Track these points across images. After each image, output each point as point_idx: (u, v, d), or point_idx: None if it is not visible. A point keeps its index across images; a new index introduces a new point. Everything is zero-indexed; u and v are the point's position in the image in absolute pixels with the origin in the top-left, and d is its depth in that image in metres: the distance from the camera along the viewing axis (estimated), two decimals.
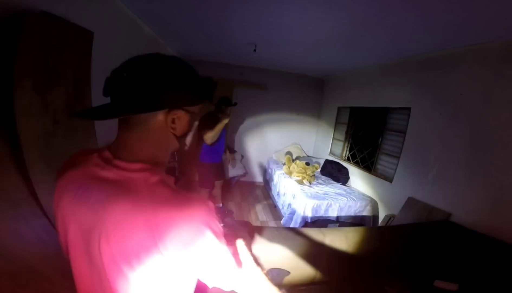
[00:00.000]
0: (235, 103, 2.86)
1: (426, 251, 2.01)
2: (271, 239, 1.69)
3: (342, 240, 1.82)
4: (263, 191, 4.61)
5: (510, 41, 1.92)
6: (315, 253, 1.74)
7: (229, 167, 4.26)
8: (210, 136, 2.64)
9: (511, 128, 1.89)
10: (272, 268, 1.64)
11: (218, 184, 3.16)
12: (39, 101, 1.40)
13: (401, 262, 1.94)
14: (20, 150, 1.28)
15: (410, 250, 1.99)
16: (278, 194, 3.60)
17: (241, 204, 3.91)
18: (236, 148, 4.86)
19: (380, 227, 2.02)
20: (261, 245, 1.64)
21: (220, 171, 3.09)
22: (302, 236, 1.78)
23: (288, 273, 1.66)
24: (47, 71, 1.44)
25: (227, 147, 3.41)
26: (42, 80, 1.42)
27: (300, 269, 1.69)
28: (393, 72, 3.13)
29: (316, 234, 1.82)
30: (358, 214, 3.06)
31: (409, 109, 2.84)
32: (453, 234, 2.05)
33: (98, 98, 2.07)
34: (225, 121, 2.63)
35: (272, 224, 3.33)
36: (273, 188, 3.94)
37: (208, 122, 2.70)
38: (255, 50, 3.22)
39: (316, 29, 2.39)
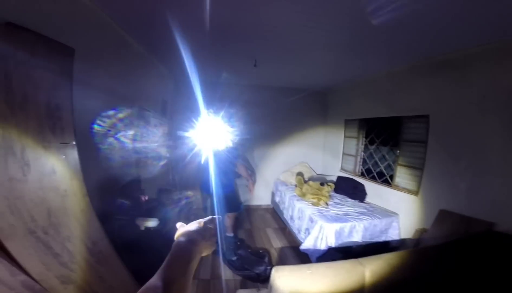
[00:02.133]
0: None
1: (476, 267, 1.74)
2: (304, 279, 1.43)
3: (385, 269, 1.56)
4: (273, 215, 4.30)
5: None
6: (356, 288, 1.48)
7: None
8: None
9: None
10: None
11: (231, 215, 2.93)
12: None
13: (453, 283, 1.66)
14: None
15: (460, 268, 1.72)
16: (291, 218, 3.32)
17: (251, 231, 3.60)
18: None
19: (423, 248, 1.77)
20: (294, 287, 1.38)
21: (231, 202, 2.84)
22: (338, 270, 1.52)
23: None
24: (9, 95, 1.15)
25: (247, 173, 3.17)
26: (3, 107, 1.13)
27: None
28: (403, 78, 2.99)
29: (354, 266, 1.55)
30: (384, 233, 2.78)
31: (427, 116, 2.67)
32: (502, 245, 1.80)
33: (82, 130, 1.76)
34: None
35: (288, 250, 3.02)
36: (284, 211, 3.65)
37: None
38: (255, 65, 3.11)
39: (316, 36, 2.26)
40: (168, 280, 0.44)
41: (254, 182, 3.77)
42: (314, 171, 4.72)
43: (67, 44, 1.46)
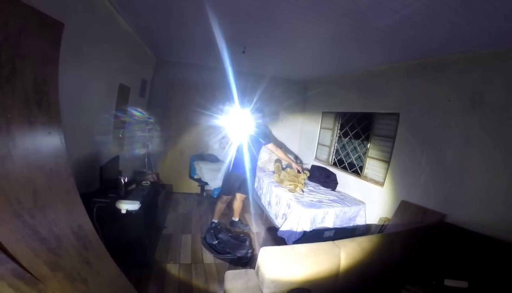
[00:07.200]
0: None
1: (431, 252, 2.06)
2: (289, 258, 1.57)
3: (358, 251, 1.77)
4: (248, 200, 4.43)
5: (497, 50, 2.03)
6: (333, 267, 1.67)
7: None
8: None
9: (499, 133, 2.00)
10: (293, 289, 1.52)
11: (239, 197, 3.12)
12: None
13: (411, 265, 1.96)
14: None
15: (417, 253, 2.02)
16: (269, 204, 3.47)
17: (229, 215, 3.69)
18: (217, 155, 4.63)
19: (389, 234, 2.03)
20: (280, 266, 1.51)
21: (245, 184, 2.99)
22: (318, 251, 1.69)
23: (309, 291, 1.56)
24: None
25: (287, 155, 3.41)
26: None
27: (319, 285, 1.59)
28: (380, 78, 3.21)
29: (331, 247, 1.74)
30: (352, 220, 3.06)
31: (397, 114, 2.92)
32: (451, 234, 2.13)
33: (67, 105, 1.70)
34: None
35: (266, 235, 3.19)
36: (262, 197, 3.80)
37: None
38: (244, 52, 3.09)
39: (303, 26, 2.30)
40: None
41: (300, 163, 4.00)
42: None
43: (57, 19, 1.36)
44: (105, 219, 2.07)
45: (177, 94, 4.18)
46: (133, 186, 2.83)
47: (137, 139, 3.92)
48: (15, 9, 1.12)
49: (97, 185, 2.25)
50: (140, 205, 2.29)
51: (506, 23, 1.64)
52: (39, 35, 1.26)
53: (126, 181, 2.63)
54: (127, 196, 2.41)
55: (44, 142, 1.38)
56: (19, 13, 1.14)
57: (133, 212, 2.23)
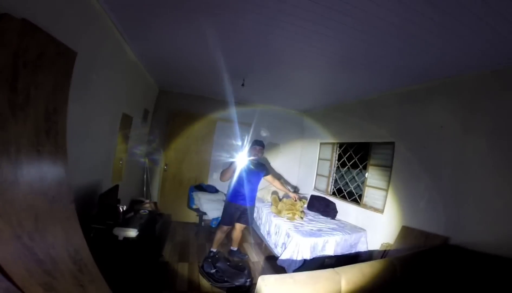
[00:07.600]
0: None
1: (436, 274, 2.01)
2: (288, 286, 1.53)
3: (359, 277, 1.72)
4: (249, 230, 4.33)
5: (483, 72, 2.13)
6: None
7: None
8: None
9: (493, 156, 2.04)
10: None
11: (239, 227, 3.12)
12: None
13: (416, 289, 1.88)
14: None
15: (421, 276, 1.96)
16: (268, 233, 3.41)
17: (228, 245, 3.60)
18: (216, 185, 4.61)
19: (391, 258, 1.98)
20: None
21: (244, 215, 3.01)
22: (318, 278, 1.65)
23: None
24: (13, 95, 1.12)
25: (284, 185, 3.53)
26: (5, 106, 1.09)
27: None
28: (374, 107, 3.36)
29: (332, 274, 1.70)
30: (353, 247, 2.99)
31: (392, 143, 3.01)
32: (456, 255, 2.09)
33: (71, 133, 1.61)
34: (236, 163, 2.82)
35: (265, 264, 3.10)
36: (261, 227, 3.73)
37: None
38: (243, 85, 3.28)
39: (300, 58, 2.46)
40: None
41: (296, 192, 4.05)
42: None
43: (71, 47, 1.48)
44: (102, 245, 2.03)
45: (178, 125, 4.32)
46: (131, 214, 2.82)
47: (137, 168, 3.97)
48: (36, 36, 1.22)
49: (96, 211, 2.25)
50: (137, 232, 2.27)
51: (488, 46, 1.75)
52: (54, 63, 1.35)
53: (124, 209, 2.64)
54: (125, 224, 2.39)
55: (49, 171, 1.41)
56: (38, 41, 1.23)
57: (130, 239, 2.20)
